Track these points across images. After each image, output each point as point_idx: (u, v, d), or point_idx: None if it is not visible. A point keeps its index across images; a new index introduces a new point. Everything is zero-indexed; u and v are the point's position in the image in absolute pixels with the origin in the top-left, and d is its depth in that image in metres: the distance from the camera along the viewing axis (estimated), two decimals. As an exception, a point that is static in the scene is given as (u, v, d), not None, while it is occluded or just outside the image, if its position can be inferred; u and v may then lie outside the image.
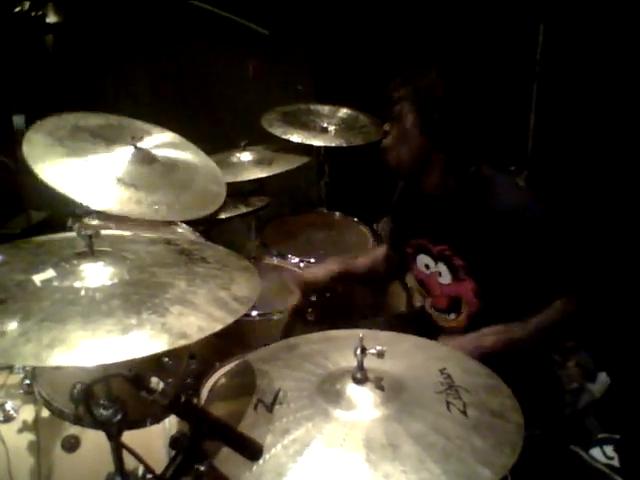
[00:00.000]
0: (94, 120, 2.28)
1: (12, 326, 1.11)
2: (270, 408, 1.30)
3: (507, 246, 1.81)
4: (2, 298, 1.18)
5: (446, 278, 1.98)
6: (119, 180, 2.06)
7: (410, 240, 2.09)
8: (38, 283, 1.25)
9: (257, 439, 1.17)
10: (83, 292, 1.24)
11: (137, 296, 1.25)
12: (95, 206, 1.97)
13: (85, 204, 1.96)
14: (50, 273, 1.27)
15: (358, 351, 1.32)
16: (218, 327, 1.21)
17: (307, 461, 1.18)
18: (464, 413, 1.30)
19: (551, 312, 1.82)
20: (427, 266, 2.05)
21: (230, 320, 1.24)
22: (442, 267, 1.98)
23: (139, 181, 2.09)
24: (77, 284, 1.26)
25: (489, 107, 1.97)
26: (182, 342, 1.15)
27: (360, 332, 1.39)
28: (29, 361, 1.06)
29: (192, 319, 1.21)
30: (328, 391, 1.34)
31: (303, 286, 2.22)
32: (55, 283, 1.26)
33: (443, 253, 1.96)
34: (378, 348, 1.32)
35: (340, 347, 1.50)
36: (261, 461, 1.16)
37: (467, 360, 1.52)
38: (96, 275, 1.30)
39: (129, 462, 1.39)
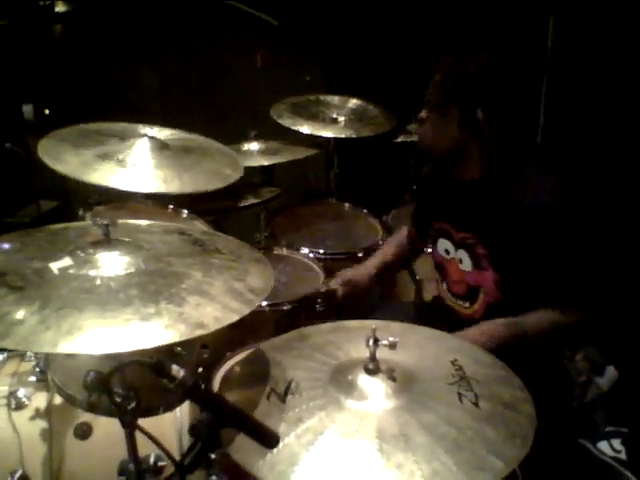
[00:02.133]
0: (99, 126, 2.29)
1: (31, 314, 1.12)
2: (283, 398, 1.31)
3: (533, 242, 1.79)
4: (20, 285, 1.19)
5: (467, 265, 1.96)
6: (119, 160, 2.08)
7: (433, 223, 2.08)
8: (55, 271, 1.26)
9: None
10: (100, 281, 1.25)
11: (154, 286, 1.26)
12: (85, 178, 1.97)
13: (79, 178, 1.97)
14: (67, 261, 1.28)
15: (370, 342, 1.33)
16: (234, 318, 1.23)
17: (320, 451, 1.19)
18: (476, 405, 1.30)
19: (564, 316, 1.81)
20: (447, 251, 2.04)
21: (246, 311, 1.26)
22: (463, 254, 1.96)
23: (142, 161, 2.11)
24: (94, 273, 1.27)
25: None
26: (199, 332, 1.16)
27: (372, 323, 1.40)
28: (48, 348, 1.07)
29: (209, 309, 1.22)
30: (340, 381, 1.35)
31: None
32: (72, 271, 1.27)
33: (465, 241, 1.95)
34: (390, 339, 1.33)
35: (352, 338, 1.50)
36: (274, 450, 1.16)
37: (478, 352, 1.53)
38: (113, 264, 1.31)
39: (141, 449, 1.40)
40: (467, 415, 1.28)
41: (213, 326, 1.18)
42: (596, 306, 1.83)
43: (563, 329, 1.84)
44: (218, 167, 2.23)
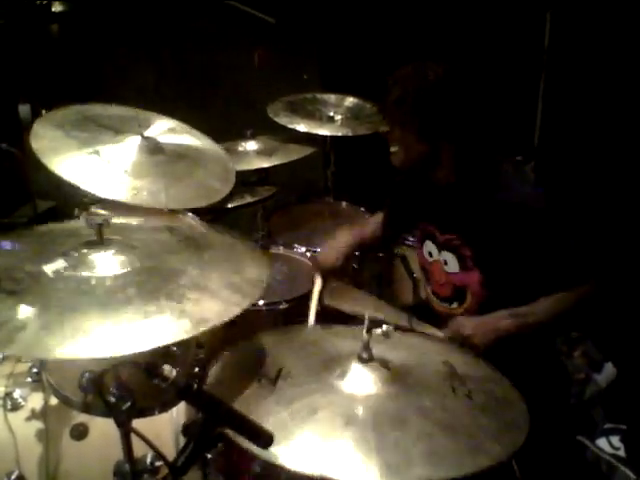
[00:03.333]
0: (101, 110, 2.25)
1: (32, 318, 1.11)
2: (274, 382, 1.32)
3: (514, 237, 1.80)
4: (14, 289, 1.18)
5: (453, 267, 1.97)
6: (107, 163, 2.02)
7: (419, 223, 2.10)
8: (50, 274, 1.25)
9: (262, 410, 1.20)
10: (96, 282, 1.25)
11: (152, 284, 1.26)
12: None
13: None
14: (61, 263, 1.27)
15: (364, 330, 1.33)
16: (236, 311, 1.23)
17: (314, 432, 1.19)
18: (469, 397, 1.32)
19: (566, 298, 1.81)
20: (430, 254, 2.05)
21: (246, 304, 1.26)
22: (448, 256, 1.98)
23: (132, 167, 2.06)
24: (89, 273, 1.27)
25: (496, 97, 1.96)
26: (203, 327, 1.16)
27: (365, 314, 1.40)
28: (52, 354, 1.07)
29: (210, 304, 1.23)
30: (332, 370, 1.36)
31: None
32: (67, 273, 1.26)
33: (450, 242, 1.96)
34: (385, 327, 1.34)
35: (343, 336, 1.53)
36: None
37: (468, 354, 1.55)
38: (107, 264, 1.30)
39: (137, 450, 1.39)
40: (462, 404, 1.29)
41: (216, 320, 1.18)
42: (600, 275, 1.83)
43: (575, 305, 1.83)
44: (208, 180, 2.19)
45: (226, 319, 1.22)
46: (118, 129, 2.15)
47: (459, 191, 1.92)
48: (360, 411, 1.23)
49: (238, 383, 1.32)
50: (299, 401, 1.25)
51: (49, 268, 1.28)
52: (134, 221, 1.64)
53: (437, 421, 1.21)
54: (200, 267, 1.36)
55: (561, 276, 1.81)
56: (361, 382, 1.31)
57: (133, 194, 1.95)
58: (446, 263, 1.99)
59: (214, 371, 1.45)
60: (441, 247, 2.00)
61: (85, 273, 1.27)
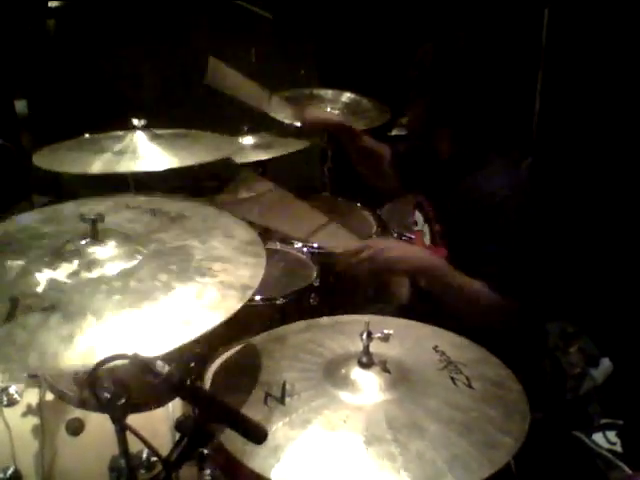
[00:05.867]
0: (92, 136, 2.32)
1: (95, 324, 1.11)
2: (282, 400, 1.28)
3: (479, 226, 1.80)
4: (48, 305, 1.16)
5: (427, 240, 2.05)
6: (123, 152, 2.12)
7: (416, 194, 2.16)
8: (67, 280, 1.23)
9: (281, 437, 1.17)
10: (120, 277, 1.24)
11: (176, 267, 1.25)
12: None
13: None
14: (67, 267, 1.25)
15: (364, 336, 1.32)
16: (261, 272, 1.26)
17: (336, 450, 1.17)
18: (470, 386, 1.32)
19: (487, 296, 1.76)
20: (416, 222, 2.12)
21: (264, 263, 1.29)
22: (426, 228, 2.05)
23: (144, 147, 2.17)
24: (104, 271, 1.26)
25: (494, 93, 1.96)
26: (250, 292, 1.18)
27: (346, 318, 1.47)
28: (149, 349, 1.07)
29: (238, 271, 1.25)
30: (335, 379, 1.34)
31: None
32: (82, 276, 1.25)
33: (428, 215, 2.04)
34: (385, 331, 1.33)
35: (330, 334, 1.51)
36: (286, 455, 1.15)
37: (454, 336, 1.53)
38: (114, 258, 1.30)
39: (133, 445, 1.39)
40: (466, 397, 1.29)
41: (255, 284, 1.21)
42: (524, 301, 1.78)
43: (487, 308, 1.78)
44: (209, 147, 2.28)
45: (260, 279, 1.24)
46: (115, 137, 2.21)
47: (451, 169, 1.96)
48: (374, 425, 1.21)
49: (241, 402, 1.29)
50: (313, 422, 1.22)
51: (58, 275, 1.25)
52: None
53: (450, 421, 1.21)
54: (198, 239, 1.36)
55: (494, 276, 1.78)
56: (365, 391, 1.30)
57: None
58: (424, 235, 2.07)
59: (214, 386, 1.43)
60: (425, 219, 2.07)
61: (97, 272, 1.25)
